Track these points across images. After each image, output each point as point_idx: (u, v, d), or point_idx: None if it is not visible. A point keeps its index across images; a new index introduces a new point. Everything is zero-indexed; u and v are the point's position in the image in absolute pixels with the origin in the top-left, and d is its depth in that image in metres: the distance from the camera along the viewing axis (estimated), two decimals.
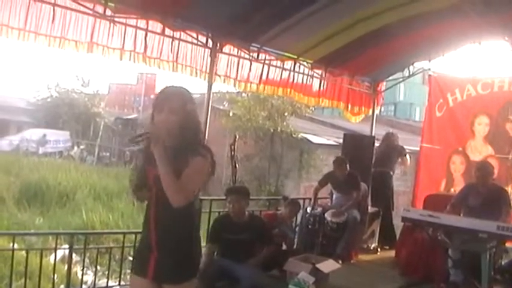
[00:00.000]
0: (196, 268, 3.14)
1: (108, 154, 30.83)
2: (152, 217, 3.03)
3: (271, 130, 19.44)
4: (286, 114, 19.69)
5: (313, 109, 21.93)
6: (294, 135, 19.06)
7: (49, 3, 4.88)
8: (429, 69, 9.05)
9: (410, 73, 9.22)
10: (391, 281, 6.32)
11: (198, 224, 3.18)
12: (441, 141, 8.96)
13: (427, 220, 5.67)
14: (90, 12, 5.18)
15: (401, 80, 9.67)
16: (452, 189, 8.58)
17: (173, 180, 2.82)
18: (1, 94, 38.06)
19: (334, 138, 18.64)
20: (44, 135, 31.56)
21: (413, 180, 9.38)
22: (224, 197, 5.83)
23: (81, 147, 31.77)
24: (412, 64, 8.99)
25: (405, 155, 8.98)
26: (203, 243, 6.42)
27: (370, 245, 8.15)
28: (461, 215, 6.23)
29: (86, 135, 33.56)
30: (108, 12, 5.29)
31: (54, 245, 6.21)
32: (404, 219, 6.02)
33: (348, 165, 7.47)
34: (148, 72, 31.81)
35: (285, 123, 19.54)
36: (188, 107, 2.94)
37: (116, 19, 5.38)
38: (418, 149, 9.46)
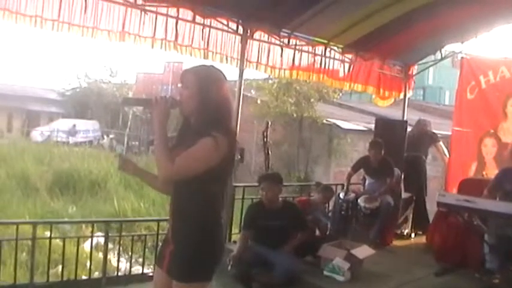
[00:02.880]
0: (211, 270, 2.85)
1: (137, 143, 31.09)
2: (171, 206, 2.90)
3: (295, 115, 19.29)
4: (312, 100, 19.56)
5: (340, 95, 21.74)
6: (318, 121, 18.94)
7: None
8: (460, 51, 8.88)
9: (442, 56, 9.04)
10: (426, 267, 6.25)
11: (217, 217, 2.86)
12: (472, 124, 8.77)
13: (463, 205, 5.56)
14: (122, 1, 5.21)
15: (432, 63, 9.49)
16: (484, 173, 8.43)
17: (164, 148, 2.73)
18: (32, 86, 38.80)
19: (363, 124, 18.51)
20: (74, 126, 32.13)
21: (445, 165, 9.23)
22: (256, 184, 5.85)
23: (111, 136, 32.17)
24: (443, 47, 8.83)
25: (438, 141, 8.83)
26: (236, 230, 6.54)
27: (403, 231, 8.09)
28: (498, 200, 6.13)
29: (115, 124, 33.89)
30: (139, 1, 5.31)
31: (87, 233, 6.31)
32: (439, 204, 5.94)
33: (382, 150, 7.34)
34: (175, 61, 31.73)
35: (312, 109, 19.42)
36: (203, 83, 2.80)
37: (147, 8, 5.39)
38: (448, 133, 9.30)
